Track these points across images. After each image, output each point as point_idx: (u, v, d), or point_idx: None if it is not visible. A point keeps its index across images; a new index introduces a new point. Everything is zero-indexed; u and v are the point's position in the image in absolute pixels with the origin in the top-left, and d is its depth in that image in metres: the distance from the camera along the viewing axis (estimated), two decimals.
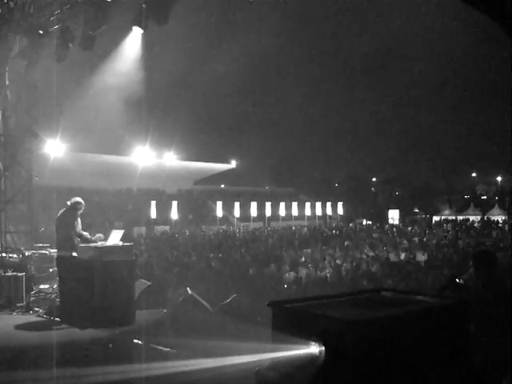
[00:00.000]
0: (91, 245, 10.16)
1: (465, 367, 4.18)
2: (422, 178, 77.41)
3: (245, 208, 47.40)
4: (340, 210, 55.94)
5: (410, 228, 36.19)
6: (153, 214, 40.81)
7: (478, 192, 76.23)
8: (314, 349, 3.70)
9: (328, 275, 13.75)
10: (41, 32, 14.83)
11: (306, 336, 3.77)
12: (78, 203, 10.50)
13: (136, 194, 47.08)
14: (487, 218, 48.30)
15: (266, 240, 26.25)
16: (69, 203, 10.50)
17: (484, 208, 56.37)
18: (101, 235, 10.64)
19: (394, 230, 34.59)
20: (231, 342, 5.28)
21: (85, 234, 10.42)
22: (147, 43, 16.70)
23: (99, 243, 10.27)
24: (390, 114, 76.37)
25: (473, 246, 19.14)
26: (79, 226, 10.36)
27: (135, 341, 8.65)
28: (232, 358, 4.45)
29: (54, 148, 31.58)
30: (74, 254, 10.10)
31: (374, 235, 29.30)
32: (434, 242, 23.37)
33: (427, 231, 32.06)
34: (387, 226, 41.34)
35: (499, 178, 74.82)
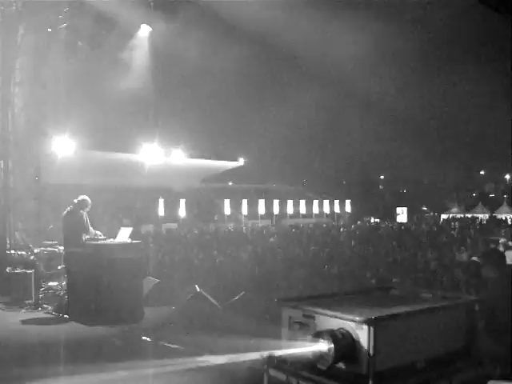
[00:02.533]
0: (100, 242, 10.20)
1: (472, 364, 4.18)
2: (430, 175, 77.17)
3: (253, 206, 47.37)
4: (348, 208, 55.85)
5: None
6: (161, 212, 40.83)
7: (487, 190, 75.93)
8: (324, 346, 3.70)
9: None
10: (49, 30, 14.88)
11: (315, 334, 3.77)
12: (85, 201, 10.56)
13: (144, 191, 47.11)
14: (495, 216, 48.08)
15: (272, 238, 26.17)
16: (75, 201, 10.56)
17: (492, 206, 56.10)
18: (98, 232, 10.69)
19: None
20: (240, 340, 5.29)
21: (93, 230, 10.48)
22: (155, 41, 16.73)
23: (108, 240, 10.31)
24: (397, 112, 76.18)
25: (481, 245, 19.04)
26: (88, 224, 10.41)
27: (144, 338, 8.68)
28: (240, 355, 4.45)
29: (63, 146, 31.68)
30: (81, 250, 10.14)
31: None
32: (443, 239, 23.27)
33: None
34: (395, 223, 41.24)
35: (508, 176, 74.57)
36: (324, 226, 39.22)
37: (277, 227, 37.45)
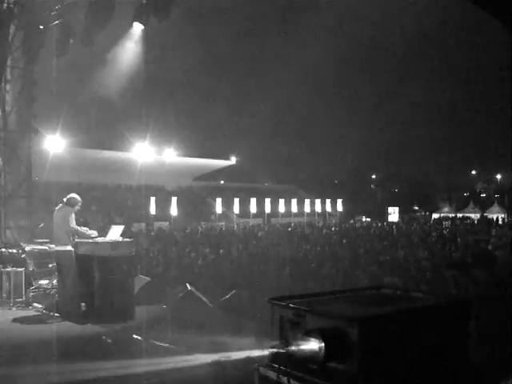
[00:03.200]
0: (91, 240, 10.18)
1: (464, 365, 4.19)
2: (422, 175, 77.49)
3: (244, 204, 47.33)
4: (339, 207, 55.90)
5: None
6: (152, 210, 40.74)
7: (478, 190, 76.20)
8: (314, 345, 3.70)
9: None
10: (41, 27, 14.82)
11: (306, 332, 3.77)
12: (74, 199, 10.53)
13: (136, 189, 47.05)
14: (486, 215, 48.24)
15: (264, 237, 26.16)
16: (65, 199, 10.52)
17: (483, 206, 56.29)
18: (94, 232, 10.66)
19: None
20: (231, 338, 5.29)
21: (81, 229, 10.44)
22: (147, 39, 16.69)
23: (99, 239, 10.29)
24: (390, 111, 76.38)
25: (472, 244, 19.10)
26: (73, 222, 10.35)
27: (135, 336, 8.66)
28: (231, 353, 4.45)
29: (54, 144, 31.62)
30: (72, 248, 10.11)
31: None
32: (433, 240, 23.32)
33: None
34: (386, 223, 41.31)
35: (499, 176, 74.90)
36: (318, 224, 39.30)
37: (268, 226, 37.47)
